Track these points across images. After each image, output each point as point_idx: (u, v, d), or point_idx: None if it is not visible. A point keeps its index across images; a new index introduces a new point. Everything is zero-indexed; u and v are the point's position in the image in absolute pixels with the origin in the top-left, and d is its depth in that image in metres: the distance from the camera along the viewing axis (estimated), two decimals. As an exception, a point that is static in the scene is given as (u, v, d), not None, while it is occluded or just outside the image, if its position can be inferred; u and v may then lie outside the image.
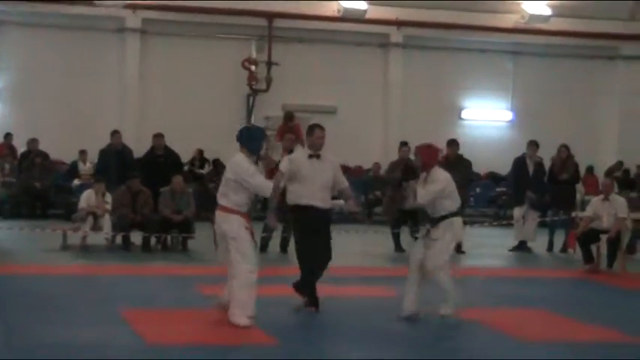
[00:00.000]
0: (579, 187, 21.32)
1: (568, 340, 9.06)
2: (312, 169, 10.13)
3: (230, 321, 8.86)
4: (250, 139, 9.42)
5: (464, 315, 9.87)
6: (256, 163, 9.57)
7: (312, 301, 10.09)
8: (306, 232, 10.06)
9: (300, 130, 19.48)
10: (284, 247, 15.94)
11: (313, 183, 10.07)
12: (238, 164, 9.21)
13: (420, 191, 9.41)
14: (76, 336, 8.41)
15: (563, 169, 17.82)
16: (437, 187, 9.51)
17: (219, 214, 9.35)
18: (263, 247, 15.70)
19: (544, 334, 9.31)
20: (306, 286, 10.04)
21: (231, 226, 9.13)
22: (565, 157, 17.92)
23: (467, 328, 8.86)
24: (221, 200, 9.34)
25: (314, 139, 10.30)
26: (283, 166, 10.13)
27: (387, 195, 17.93)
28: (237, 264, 8.99)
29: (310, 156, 10.22)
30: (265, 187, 9.23)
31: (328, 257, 10.09)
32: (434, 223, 9.58)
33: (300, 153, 10.97)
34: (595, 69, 28.78)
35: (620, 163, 26.77)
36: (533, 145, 17.89)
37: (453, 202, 9.66)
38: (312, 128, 10.41)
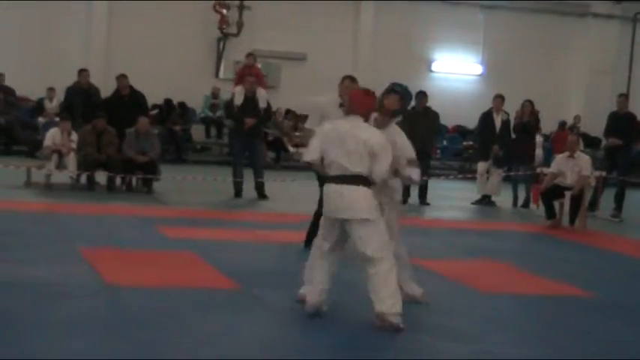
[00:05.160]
0: (540, 142, 21.59)
1: (522, 292, 9.14)
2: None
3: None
4: None
5: (423, 264, 9.95)
6: None
7: None
8: None
9: (260, 74, 19.20)
10: (261, 191, 15.94)
11: None
12: None
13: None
14: (33, 273, 8.34)
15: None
16: None
17: None
18: (237, 192, 15.82)
19: (499, 285, 9.40)
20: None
21: None
22: (529, 113, 17.96)
23: (423, 278, 8.89)
24: None
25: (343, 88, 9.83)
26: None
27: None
28: None
29: (341, 105, 9.69)
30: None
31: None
32: None
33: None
34: (566, 25, 28.87)
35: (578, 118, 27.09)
36: (499, 98, 17.94)
37: None
38: (343, 79, 9.94)
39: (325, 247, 7.36)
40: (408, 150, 7.77)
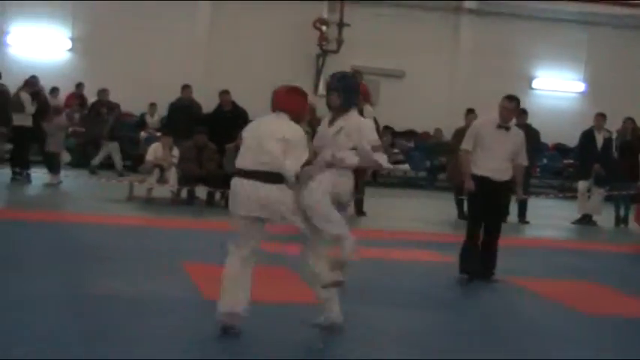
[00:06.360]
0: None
1: (626, 315, 8.95)
2: (498, 140, 9.88)
3: None
4: None
5: (522, 284, 9.83)
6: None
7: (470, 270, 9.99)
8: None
9: (366, 91, 19.22)
10: (360, 208, 15.93)
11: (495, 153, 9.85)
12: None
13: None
14: (133, 287, 8.50)
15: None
16: None
17: None
18: None
19: (602, 307, 9.22)
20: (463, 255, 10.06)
21: None
22: (630, 130, 17.61)
23: (522, 298, 8.80)
24: None
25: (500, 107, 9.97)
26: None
27: (451, 161, 17.82)
28: None
29: (499, 125, 9.95)
30: None
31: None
32: None
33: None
34: (672, 42, 28.19)
35: None
36: (601, 116, 17.63)
37: None
38: (502, 99, 10.01)
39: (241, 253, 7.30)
40: (372, 136, 7.34)
